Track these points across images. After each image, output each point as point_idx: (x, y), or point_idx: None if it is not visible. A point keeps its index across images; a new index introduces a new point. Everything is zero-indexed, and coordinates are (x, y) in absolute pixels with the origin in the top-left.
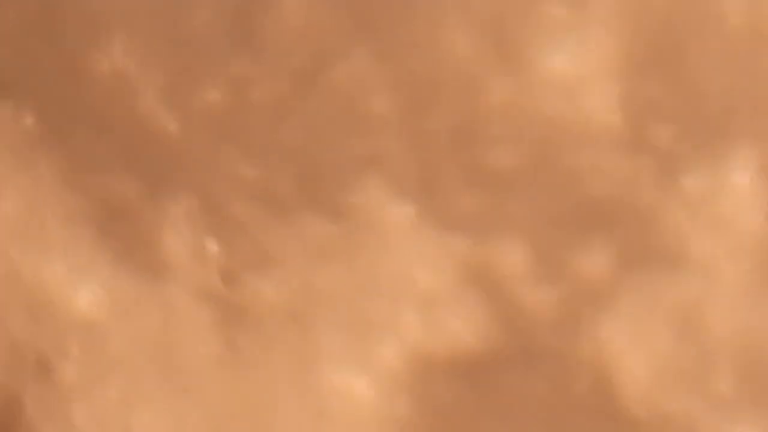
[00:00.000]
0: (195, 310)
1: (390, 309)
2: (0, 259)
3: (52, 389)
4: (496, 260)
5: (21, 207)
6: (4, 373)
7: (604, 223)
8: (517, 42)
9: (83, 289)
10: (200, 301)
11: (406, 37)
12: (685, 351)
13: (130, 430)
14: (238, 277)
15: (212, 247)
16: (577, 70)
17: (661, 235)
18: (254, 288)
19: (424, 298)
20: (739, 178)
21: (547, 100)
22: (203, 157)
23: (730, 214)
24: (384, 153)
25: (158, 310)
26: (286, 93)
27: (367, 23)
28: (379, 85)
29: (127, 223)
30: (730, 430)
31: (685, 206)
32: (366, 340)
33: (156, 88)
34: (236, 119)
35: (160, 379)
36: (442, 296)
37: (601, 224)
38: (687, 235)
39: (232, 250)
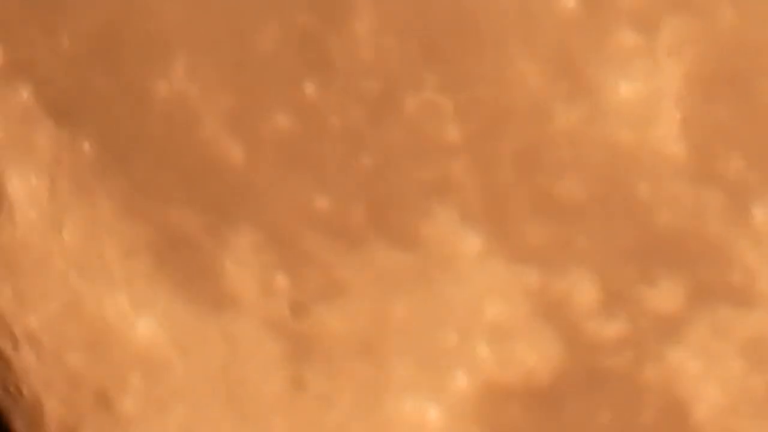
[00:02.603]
0: (261, 343)
1: (461, 339)
2: (59, 289)
3: (112, 422)
4: (564, 291)
5: (80, 237)
6: (62, 406)
7: (673, 256)
8: (584, 70)
9: (144, 320)
10: (266, 333)
11: (474, 66)
12: (757, 380)
13: None
14: (307, 308)
15: (280, 278)
16: (644, 98)
17: (730, 268)
18: (323, 319)
19: (494, 329)
20: None
21: (614, 128)
22: (269, 185)
23: None
24: (453, 182)
25: (222, 343)
26: (357, 120)
27: (435, 52)
28: (448, 113)
29: (189, 254)
30: None
31: (754, 238)
32: (437, 371)
33: (220, 114)
34: (304, 147)
35: (223, 413)
36: (511, 327)
37: (669, 256)
38: (757, 268)
39: (299, 282)
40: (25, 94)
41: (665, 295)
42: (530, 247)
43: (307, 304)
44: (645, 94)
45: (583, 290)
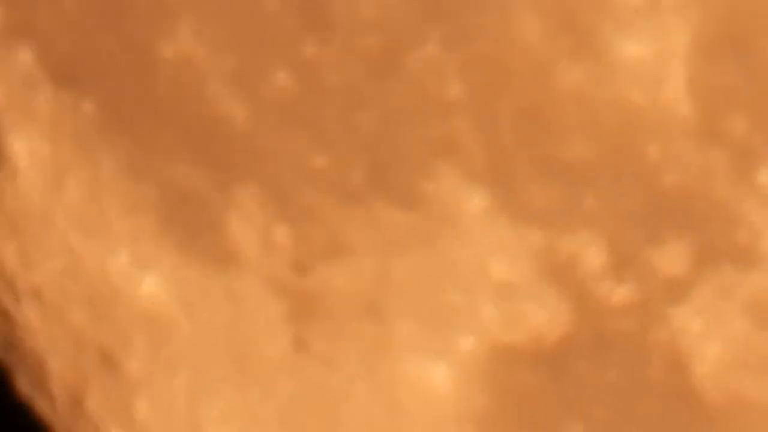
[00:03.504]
0: (265, 301)
1: (465, 299)
2: (61, 249)
3: (116, 383)
4: (571, 252)
5: (82, 196)
6: (66, 367)
7: (679, 216)
8: (589, 28)
9: (147, 279)
10: (270, 292)
11: (477, 23)
12: (761, 339)
13: (198, 424)
14: (310, 267)
15: (283, 236)
16: (649, 58)
17: (735, 228)
18: (326, 278)
19: (500, 288)
20: None
21: (618, 88)
22: (273, 143)
23: None
24: (456, 141)
25: (226, 301)
26: (358, 79)
27: (437, 9)
28: (450, 71)
29: (192, 212)
30: None
31: (759, 199)
32: (441, 331)
33: (223, 73)
34: (307, 105)
35: (229, 372)
36: (517, 286)
37: (675, 217)
38: (762, 228)
39: (303, 240)
40: (26, 55)
41: (672, 256)
42: (536, 207)
43: (310, 263)
44: (651, 53)
45: (590, 251)
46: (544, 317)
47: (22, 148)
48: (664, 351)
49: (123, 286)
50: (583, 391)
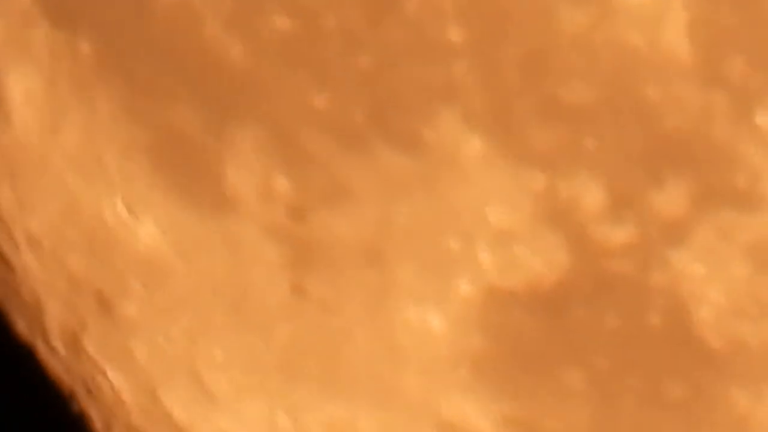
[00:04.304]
0: (262, 247)
1: (464, 244)
2: (58, 192)
3: (114, 327)
4: (571, 195)
5: (79, 139)
6: (63, 309)
7: (679, 159)
8: None
9: (144, 223)
10: (268, 237)
11: None
12: (761, 283)
13: (196, 369)
14: (309, 212)
15: (281, 181)
16: (649, 1)
17: (735, 171)
18: (325, 224)
19: (498, 233)
20: None
21: (621, 30)
22: (271, 86)
23: None
24: (456, 85)
25: (224, 246)
26: (358, 21)
27: None
28: (450, 15)
29: (190, 155)
30: None
31: (759, 142)
32: (440, 275)
33: (221, 14)
34: (305, 47)
35: (227, 316)
36: (516, 231)
37: (675, 159)
38: (761, 171)
39: (302, 184)
40: None
41: (671, 199)
42: (535, 150)
43: (309, 208)
44: None
45: (589, 194)
46: (543, 261)
47: (18, 89)
48: (664, 295)
49: (120, 230)
50: (582, 336)
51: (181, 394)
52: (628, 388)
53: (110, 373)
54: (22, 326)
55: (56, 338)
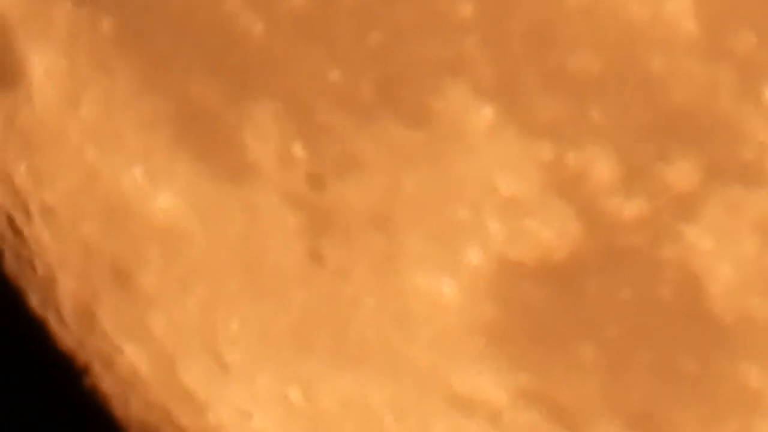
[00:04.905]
0: (279, 215)
1: (473, 214)
2: (77, 164)
3: (130, 298)
4: (579, 167)
5: (98, 111)
6: (77, 282)
7: (687, 132)
8: None
9: (162, 194)
10: (285, 206)
11: None
12: None
13: (214, 338)
14: (323, 180)
15: (298, 149)
16: None
17: (742, 145)
18: (339, 192)
19: (507, 204)
20: None
21: (627, 2)
22: (287, 60)
23: None
24: (465, 57)
25: (241, 215)
26: None
27: None
28: None
29: (208, 127)
30: None
31: (765, 117)
32: (451, 245)
33: None
34: (320, 23)
35: (243, 284)
36: (525, 201)
37: (683, 133)
38: None
39: (316, 154)
40: None
41: (680, 172)
42: (543, 121)
43: (324, 177)
44: None
45: (597, 166)
46: (553, 232)
47: (38, 63)
48: (675, 269)
49: (138, 200)
50: (594, 309)
51: (197, 367)
52: (639, 361)
53: (126, 347)
54: (35, 301)
55: (70, 312)
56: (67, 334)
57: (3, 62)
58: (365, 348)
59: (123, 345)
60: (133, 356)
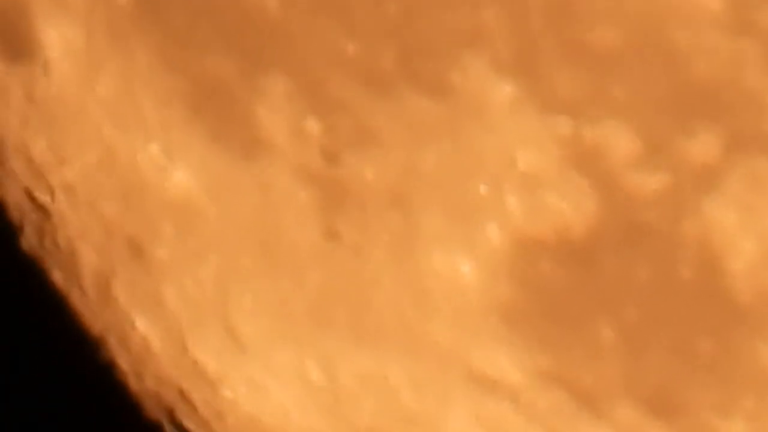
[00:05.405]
0: (294, 191)
1: (491, 190)
2: (93, 140)
3: (145, 271)
4: (599, 142)
5: (115, 88)
6: (97, 255)
7: (709, 106)
8: None
9: (178, 169)
10: (299, 182)
11: None
12: None
13: (227, 313)
14: (338, 156)
15: (312, 125)
16: None
17: (765, 118)
18: (355, 168)
19: (526, 179)
20: None
21: None
22: (302, 33)
23: None
24: (484, 31)
25: (256, 191)
26: None
27: None
28: None
29: (223, 103)
30: None
31: None
32: (469, 223)
33: None
34: None
35: (257, 260)
36: (544, 177)
37: (705, 107)
38: None
39: (332, 129)
40: None
41: (702, 146)
42: (563, 96)
43: (339, 152)
44: None
45: (617, 141)
46: (571, 207)
47: (55, 39)
48: (695, 246)
49: (154, 175)
50: (612, 287)
51: (210, 342)
52: (657, 342)
53: (140, 321)
54: (57, 275)
55: (88, 285)
56: (86, 307)
57: (19, 35)
58: (383, 326)
59: (137, 318)
60: (147, 330)
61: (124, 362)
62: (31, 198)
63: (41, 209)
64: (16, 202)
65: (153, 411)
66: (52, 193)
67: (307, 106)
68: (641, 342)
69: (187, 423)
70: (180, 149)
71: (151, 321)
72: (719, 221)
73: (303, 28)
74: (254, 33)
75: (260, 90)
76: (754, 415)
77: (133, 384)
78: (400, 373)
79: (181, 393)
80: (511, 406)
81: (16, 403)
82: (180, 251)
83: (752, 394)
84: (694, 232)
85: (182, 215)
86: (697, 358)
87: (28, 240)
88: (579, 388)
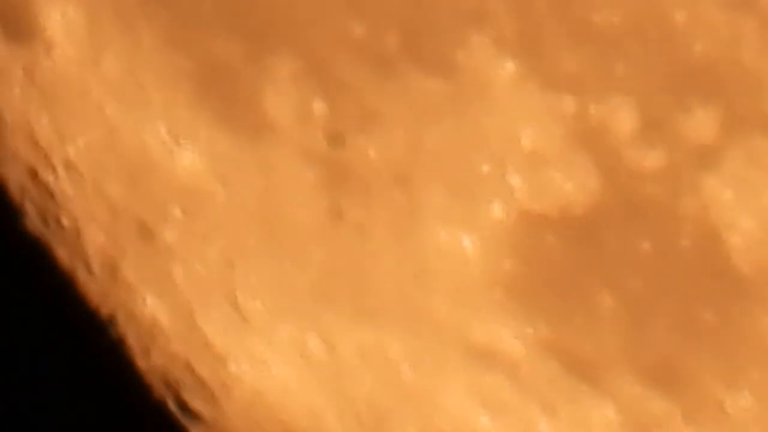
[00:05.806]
0: (299, 171)
1: (495, 168)
2: (100, 121)
3: (153, 252)
4: (601, 119)
5: (120, 70)
6: (103, 237)
7: (708, 84)
8: None
9: (184, 150)
10: (304, 162)
11: None
12: None
13: (233, 292)
14: (343, 137)
15: (317, 106)
16: None
17: (764, 97)
18: (359, 148)
19: (529, 157)
20: None
21: None
22: (307, 14)
23: None
24: (488, 10)
25: (261, 171)
26: None
27: None
28: None
29: (229, 84)
30: None
31: None
32: (472, 200)
33: None
34: None
35: (263, 240)
36: (547, 154)
37: (705, 85)
38: None
39: (337, 110)
40: None
41: (701, 124)
42: (565, 74)
43: (344, 133)
44: None
45: (619, 119)
46: (574, 184)
47: (57, 19)
48: (695, 221)
49: (159, 157)
50: (614, 261)
51: (217, 319)
52: (658, 314)
53: (148, 299)
54: (62, 254)
55: (96, 264)
56: (94, 285)
57: (20, 15)
58: (384, 302)
59: (146, 297)
60: (155, 307)
61: (132, 339)
62: (34, 177)
63: (44, 188)
64: (18, 181)
65: (158, 389)
66: (55, 172)
67: (312, 87)
68: (642, 314)
69: (192, 400)
70: (186, 130)
71: (159, 298)
72: (718, 197)
73: (308, 10)
74: (260, 14)
75: (266, 71)
76: (761, 386)
77: (139, 362)
78: (400, 347)
79: (189, 368)
80: (509, 380)
81: (23, 381)
82: (188, 232)
83: (755, 366)
84: (694, 207)
85: (190, 196)
86: (699, 330)
87: (32, 220)
88: (579, 359)
